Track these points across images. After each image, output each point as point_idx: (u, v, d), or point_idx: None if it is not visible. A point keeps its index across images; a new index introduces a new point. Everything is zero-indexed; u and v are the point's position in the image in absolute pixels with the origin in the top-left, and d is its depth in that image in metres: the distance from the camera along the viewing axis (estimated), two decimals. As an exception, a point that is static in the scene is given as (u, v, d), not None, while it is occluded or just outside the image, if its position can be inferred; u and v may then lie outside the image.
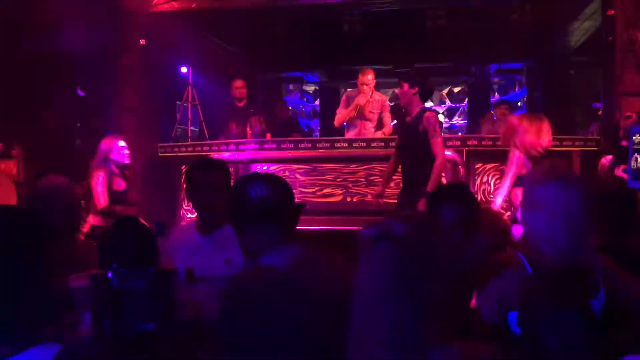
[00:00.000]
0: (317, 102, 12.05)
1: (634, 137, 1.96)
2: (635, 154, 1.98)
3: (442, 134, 4.43)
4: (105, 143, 4.79)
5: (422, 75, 4.53)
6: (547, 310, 1.79)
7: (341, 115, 6.24)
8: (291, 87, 12.27)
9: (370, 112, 6.27)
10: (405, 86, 4.43)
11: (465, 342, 1.39)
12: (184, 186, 2.72)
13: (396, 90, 4.69)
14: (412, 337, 1.30)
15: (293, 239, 1.87)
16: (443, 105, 12.38)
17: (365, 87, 6.14)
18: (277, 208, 1.82)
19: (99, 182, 4.64)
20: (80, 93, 10.08)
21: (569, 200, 1.81)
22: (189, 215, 6.52)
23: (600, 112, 6.89)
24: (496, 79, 11.64)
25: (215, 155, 6.18)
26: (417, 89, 4.43)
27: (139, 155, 6.64)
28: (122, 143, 4.82)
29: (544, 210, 1.83)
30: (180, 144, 7.06)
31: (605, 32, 6.10)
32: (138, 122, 6.66)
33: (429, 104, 12.18)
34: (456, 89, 12.22)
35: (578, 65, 9.27)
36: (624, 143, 4.79)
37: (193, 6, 6.58)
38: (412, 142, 4.46)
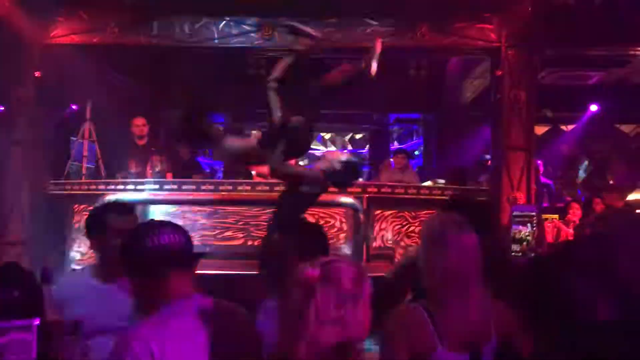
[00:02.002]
0: (221, 143, 11.97)
1: (514, 213, 2.11)
2: (514, 225, 2.16)
3: None
4: None
5: None
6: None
7: None
8: (195, 126, 12.12)
9: None
10: None
11: None
12: (87, 229, 2.56)
13: None
14: None
15: (190, 289, 1.81)
16: (345, 151, 12.71)
17: None
18: (174, 258, 1.76)
19: None
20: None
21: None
22: (79, 257, 6.18)
23: (489, 164, 7.35)
24: (395, 128, 12.14)
25: (111, 195, 5.94)
26: None
27: (27, 191, 6.27)
28: None
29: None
30: (73, 181, 6.73)
31: (494, 91, 6.56)
32: (27, 156, 6.29)
33: (331, 149, 12.53)
34: (358, 136, 12.62)
35: (470, 119, 9.88)
36: None
37: (95, 41, 6.39)
38: None
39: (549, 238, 6.71)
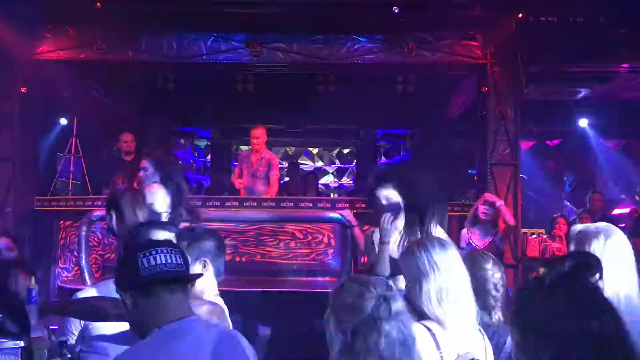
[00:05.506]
0: (208, 158, 11.95)
1: None
2: None
3: None
4: None
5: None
6: None
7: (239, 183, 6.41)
8: (182, 141, 12.10)
9: (258, 169, 6.33)
10: None
11: None
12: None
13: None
14: None
15: (185, 311, 1.74)
16: (333, 166, 12.72)
17: (254, 140, 6.23)
18: (168, 279, 1.70)
19: None
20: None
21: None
22: (65, 274, 6.12)
23: (475, 179, 7.38)
24: (382, 143, 12.17)
25: (97, 211, 5.90)
26: None
27: (12, 208, 6.21)
28: None
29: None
30: (59, 197, 6.67)
31: (480, 106, 6.62)
32: (13, 173, 6.23)
33: (319, 164, 12.55)
34: (345, 151, 12.64)
35: (457, 134, 9.92)
36: None
37: (82, 57, 6.38)
38: None
39: (535, 253, 6.73)
